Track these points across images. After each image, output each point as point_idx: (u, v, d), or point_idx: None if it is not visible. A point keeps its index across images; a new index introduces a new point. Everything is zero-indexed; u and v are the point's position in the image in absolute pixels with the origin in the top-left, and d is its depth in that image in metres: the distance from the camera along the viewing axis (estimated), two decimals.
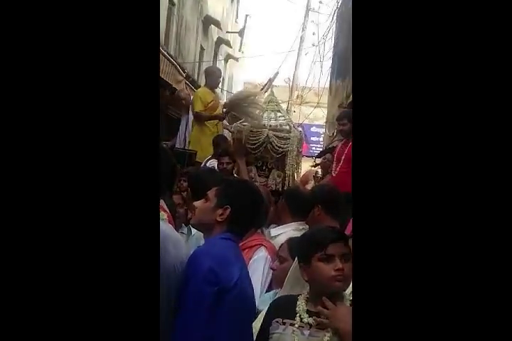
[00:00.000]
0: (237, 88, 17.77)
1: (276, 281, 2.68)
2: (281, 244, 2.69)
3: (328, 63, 14.23)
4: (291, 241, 2.64)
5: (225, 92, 7.03)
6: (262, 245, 2.98)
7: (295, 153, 5.81)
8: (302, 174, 6.54)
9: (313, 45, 16.10)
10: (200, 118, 6.50)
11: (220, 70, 7.43)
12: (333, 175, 5.48)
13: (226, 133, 6.54)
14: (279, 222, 3.85)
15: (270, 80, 6.81)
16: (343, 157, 5.39)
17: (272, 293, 2.64)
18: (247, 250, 2.83)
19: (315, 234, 2.17)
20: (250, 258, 2.89)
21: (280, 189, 5.65)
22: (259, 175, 5.77)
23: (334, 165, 5.51)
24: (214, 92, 6.94)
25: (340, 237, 2.06)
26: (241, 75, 18.73)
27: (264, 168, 5.79)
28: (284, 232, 3.73)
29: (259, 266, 2.86)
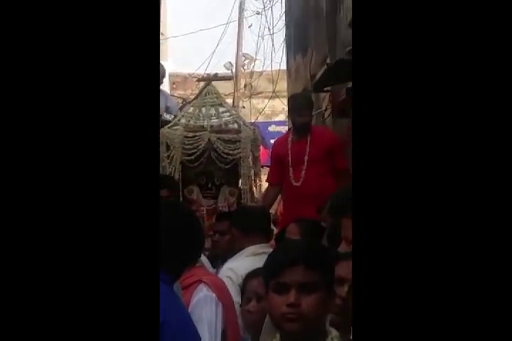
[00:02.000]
0: (162, 82, 17.72)
1: (251, 326, 2.64)
2: (251, 277, 2.66)
3: (280, 36, 14.31)
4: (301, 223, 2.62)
5: None
6: (201, 282, 2.94)
7: (250, 159, 5.73)
8: (264, 188, 6.50)
9: (258, 13, 16.19)
10: None
11: None
12: (297, 184, 5.43)
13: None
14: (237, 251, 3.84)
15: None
16: (306, 157, 5.38)
17: None
18: (183, 292, 2.78)
19: (273, 253, 2.17)
20: (189, 302, 2.84)
21: None
22: (204, 197, 5.67)
23: (292, 169, 5.47)
24: None
25: (303, 259, 2.01)
26: (164, 65, 18.69)
27: (209, 185, 5.70)
28: (236, 261, 3.72)
29: (201, 312, 2.80)
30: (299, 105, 5.64)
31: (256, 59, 17.32)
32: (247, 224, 3.89)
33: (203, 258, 3.08)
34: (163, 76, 7.20)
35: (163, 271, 2.12)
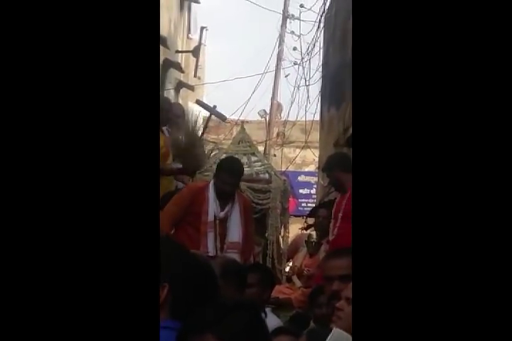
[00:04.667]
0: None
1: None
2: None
3: (316, 87, 14.40)
4: (310, 334, 2.61)
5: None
6: None
7: (279, 210, 5.75)
8: (290, 240, 6.48)
9: (295, 63, 16.35)
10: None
11: (167, 102, 7.36)
12: (330, 238, 5.39)
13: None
14: None
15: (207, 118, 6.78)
16: (341, 214, 5.33)
17: None
18: None
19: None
20: None
21: (261, 261, 5.56)
22: None
23: (332, 224, 5.42)
24: (162, 133, 6.80)
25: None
26: (199, 109, 18.81)
27: None
28: None
29: None
30: (324, 166, 5.63)
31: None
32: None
33: None
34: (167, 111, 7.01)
35: (176, 320, 2.09)
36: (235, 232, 5.19)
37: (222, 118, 7.12)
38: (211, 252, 5.00)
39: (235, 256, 5.04)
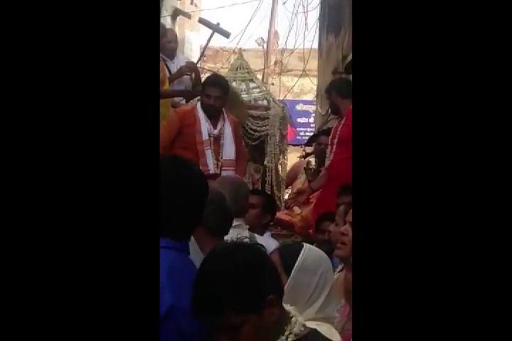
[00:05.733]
0: (193, 55, 17.71)
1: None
2: (270, 254, 2.69)
3: (314, 14, 14.25)
4: (283, 250, 2.62)
5: (173, 64, 6.55)
6: None
7: (277, 137, 5.74)
8: (289, 167, 6.50)
9: None
10: None
11: (161, 27, 7.29)
12: (326, 164, 5.41)
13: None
14: None
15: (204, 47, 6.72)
16: (336, 140, 5.31)
17: None
18: None
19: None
20: None
21: (260, 188, 5.60)
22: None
23: (328, 151, 5.43)
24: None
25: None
26: (196, 37, 18.66)
27: None
28: None
29: None
30: (327, 88, 5.59)
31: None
32: None
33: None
34: (165, 36, 6.87)
35: (171, 238, 2.07)
36: (230, 149, 5.28)
37: (226, 35, 7.01)
38: (211, 170, 5.06)
39: (231, 173, 5.14)
